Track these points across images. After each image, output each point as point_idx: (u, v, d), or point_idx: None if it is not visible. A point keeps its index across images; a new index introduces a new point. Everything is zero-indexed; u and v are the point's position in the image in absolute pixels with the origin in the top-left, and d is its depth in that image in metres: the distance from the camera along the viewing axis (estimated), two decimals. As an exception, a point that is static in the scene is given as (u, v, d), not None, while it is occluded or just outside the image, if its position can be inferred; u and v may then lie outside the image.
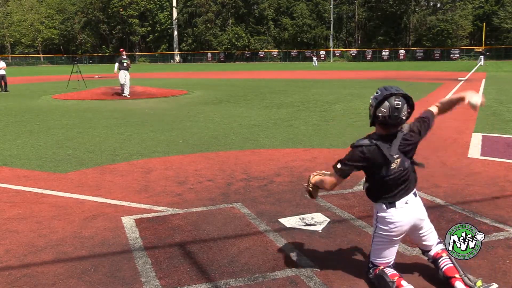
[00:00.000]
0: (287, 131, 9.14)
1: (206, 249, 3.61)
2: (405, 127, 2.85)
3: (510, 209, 4.42)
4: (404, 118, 2.76)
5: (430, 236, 3.03)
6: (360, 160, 2.80)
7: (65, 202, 4.83)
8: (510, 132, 8.66)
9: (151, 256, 3.50)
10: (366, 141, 2.80)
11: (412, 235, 3.02)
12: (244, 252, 3.53)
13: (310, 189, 3.17)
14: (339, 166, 2.85)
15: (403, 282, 2.81)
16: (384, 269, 2.92)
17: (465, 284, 2.83)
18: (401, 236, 2.92)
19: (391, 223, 2.84)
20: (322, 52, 75.10)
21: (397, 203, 2.84)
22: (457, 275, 2.87)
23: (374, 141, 2.77)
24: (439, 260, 2.97)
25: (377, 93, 2.80)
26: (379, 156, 2.76)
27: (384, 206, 2.87)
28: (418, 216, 2.91)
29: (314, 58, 55.37)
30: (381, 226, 2.91)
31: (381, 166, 2.78)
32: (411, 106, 2.79)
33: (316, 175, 3.13)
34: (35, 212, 4.53)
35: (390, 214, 2.85)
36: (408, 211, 2.85)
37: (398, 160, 2.79)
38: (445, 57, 67.58)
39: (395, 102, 2.70)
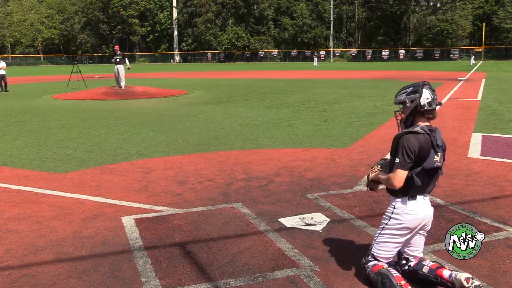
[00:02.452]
0: (287, 131, 9.14)
1: (206, 249, 3.61)
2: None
3: (510, 209, 4.42)
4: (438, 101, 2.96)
5: (422, 242, 3.07)
6: (417, 147, 2.79)
7: (65, 202, 4.83)
8: (510, 132, 8.66)
9: (151, 256, 3.50)
10: (419, 129, 2.84)
11: (413, 236, 3.02)
12: (244, 252, 3.53)
13: (370, 185, 3.25)
14: (398, 160, 2.82)
15: None
16: (389, 269, 2.92)
17: (452, 271, 2.87)
18: (411, 231, 2.93)
19: (409, 214, 2.89)
20: (322, 52, 75.13)
21: (418, 196, 2.90)
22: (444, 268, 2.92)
23: (426, 131, 2.84)
24: (422, 262, 3.02)
25: (406, 91, 2.92)
26: (429, 144, 2.82)
27: (406, 198, 2.91)
28: (431, 213, 2.97)
29: (315, 58, 55.43)
30: (397, 216, 2.92)
31: (428, 156, 2.82)
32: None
33: (374, 171, 3.19)
34: (35, 212, 4.53)
35: (410, 206, 2.89)
36: (425, 206, 2.92)
37: (440, 153, 2.87)
38: (445, 57, 67.62)
39: (430, 87, 2.90)
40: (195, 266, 3.31)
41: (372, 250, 3.04)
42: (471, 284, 2.75)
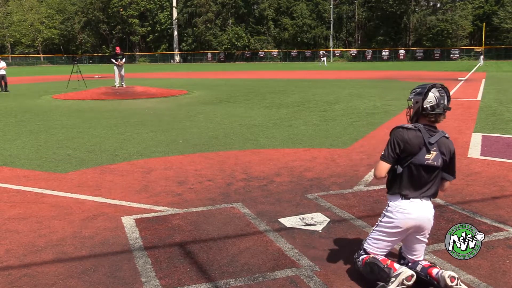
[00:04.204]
0: (287, 131, 9.14)
1: (206, 249, 3.61)
2: (447, 135, 2.98)
3: (510, 209, 4.42)
4: (447, 105, 2.91)
5: (422, 248, 3.05)
6: (402, 141, 2.86)
7: (65, 202, 4.83)
8: (510, 132, 8.66)
9: (151, 256, 3.50)
10: (410, 125, 2.93)
11: (410, 238, 3.01)
12: (244, 252, 3.53)
13: None
14: (383, 152, 2.94)
15: (396, 265, 2.85)
16: (375, 256, 2.95)
17: (441, 270, 2.86)
18: (404, 231, 2.92)
19: (401, 213, 2.89)
20: (322, 52, 75.15)
21: (411, 198, 2.90)
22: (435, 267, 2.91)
23: (418, 127, 2.89)
24: (418, 261, 3.02)
25: (415, 91, 2.96)
26: (419, 140, 2.85)
27: (399, 197, 2.92)
28: (428, 216, 2.93)
29: (324, 58, 55.71)
30: (389, 214, 2.94)
31: (417, 152, 2.85)
32: (449, 96, 2.93)
33: None
34: (35, 212, 4.53)
35: (403, 204, 2.90)
36: (420, 207, 2.90)
37: (435, 153, 2.87)
38: (445, 57, 67.64)
39: (439, 91, 2.89)
40: (195, 266, 3.31)
41: (365, 245, 3.08)
42: (456, 283, 2.74)
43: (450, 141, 2.96)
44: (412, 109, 3.00)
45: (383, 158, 2.92)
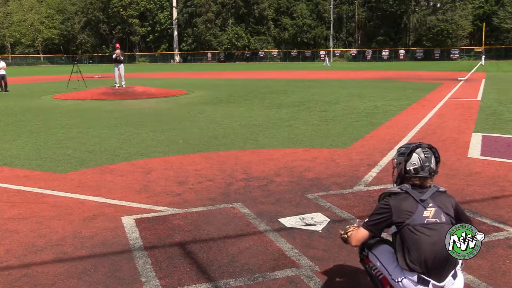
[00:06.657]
0: (287, 131, 9.14)
1: (206, 249, 3.61)
2: (442, 188, 2.64)
3: (510, 209, 4.42)
4: (435, 168, 2.62)
5: None
6: (386, 211, 2.52)
7: (65, 202, 4.83)
8: (510, 132, 8.66)
9: (151, 256, 3.50)
10: (395, 189, 2.61)
11: None
12: (244, 252, 3.53)
13: (345, 236, 2.84)
14: (366, 219, 2.63)
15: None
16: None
17: None
18: None
19: None
20: (322, 52, 75.17)
21: (431, 283, 2.41)
22: None
23: (405, 189, 2.57)
24: None
25: (400, 150, 2.70)
26: (409, 201, 2.51)
27: (415, 278, 2.42)
28: None
29: (327, 58, 56.28)
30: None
31: (411, 212, 2.48)
32: (437, 157, 2.65)
33: (351, 230, 2.83)
34: (35, 212, 4.53)
35: None
36: None
37: (433, 209, 2.49)
38: (445, 57, 67.69)
39: (424, 152, 2.61)
40: (195, 266, 3.32)
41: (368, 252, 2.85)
42: None
43: (445, 194, 2.61)
44: (396, 170, 2.72)
45: (364, 224, 2.59)
